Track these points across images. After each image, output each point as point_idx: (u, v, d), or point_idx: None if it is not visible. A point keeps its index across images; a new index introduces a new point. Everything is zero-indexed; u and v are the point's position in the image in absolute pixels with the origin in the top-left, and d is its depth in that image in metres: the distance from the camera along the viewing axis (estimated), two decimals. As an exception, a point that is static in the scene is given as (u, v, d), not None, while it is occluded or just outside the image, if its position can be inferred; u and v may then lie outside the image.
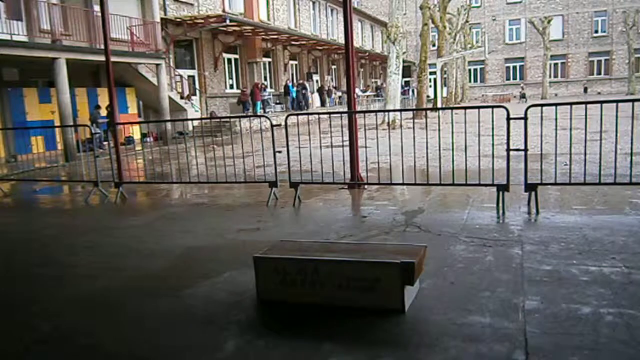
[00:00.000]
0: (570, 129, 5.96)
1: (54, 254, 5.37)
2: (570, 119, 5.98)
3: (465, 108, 7.30)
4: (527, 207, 6.00)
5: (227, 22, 21.80)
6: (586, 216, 5.55)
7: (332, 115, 9.45)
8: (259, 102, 24.08)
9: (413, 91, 38.51)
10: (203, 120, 21.44)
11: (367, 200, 7.22)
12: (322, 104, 31.54)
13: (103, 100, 17.31)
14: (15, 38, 14.02)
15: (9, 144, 15.21)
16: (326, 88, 33.99)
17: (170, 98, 19.29)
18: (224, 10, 24.77)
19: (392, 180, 7.87)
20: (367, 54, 41.21)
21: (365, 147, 8.84)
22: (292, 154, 7.38)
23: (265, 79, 29.11)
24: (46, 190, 10.37)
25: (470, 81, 49.07)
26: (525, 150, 5.97)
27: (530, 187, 6.01)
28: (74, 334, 3.35)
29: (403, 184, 7.72)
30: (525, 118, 5.81)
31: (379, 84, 44.31)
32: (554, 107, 6.35)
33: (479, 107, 6.75)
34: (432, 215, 6.02)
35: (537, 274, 3.87)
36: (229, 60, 26.14)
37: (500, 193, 6.03)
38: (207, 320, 3.41)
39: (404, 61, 27.29)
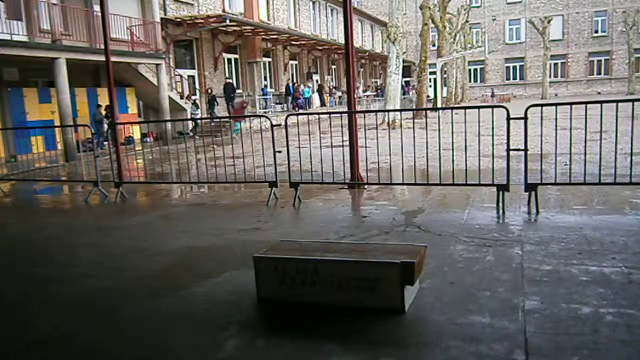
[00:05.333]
0: (570, 129, 5.96)
1: (54, 254, 5.37)
2: (570, 119, 5.98)
3: (465, 108, 7.30)
4: (527, 207, 6.00)
5: (227, 22, 21.80)
6: (586, 216, 5.55)
7: (332, 115, 9.45)
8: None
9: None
10: (203, 120, 21.45)
11: (367, 200, 7.22)
12: (322, 104, 31.58)
13: (103, 100, 17.32)
14: (15, 38, 14.02)
15: (9, 144, 15.21)
16: (326, 88, 34.07)
17: (170, 98, 19.30)
18: (224, 10, 24.78)
19: (392, 180, 7.87)
20: (367, 54, 41.22)
21: (365, 147, 8.85)
22: (292, 154, 7.38)
23: (265, 79, 29.13)
24: (46, 190, 10.37)
25: (470, 81, 49.07)
26: (525, 150, 5.97)
27: (530, 187, 6.01)
28: (74, 334, 3.35)
29: (403, 184, 7.72)
30: (525, 118, 5.81)
31: (378, 83, 44.36)
32: (554, 107, 6.35)
33: (479, 107, 6.75)
34: (432, 215, 6.02)
35: (537, 274, 3.87)
36: (229, 60, 26.15)
37: (500, 193, 6.03)
38: (207, 320, 3.41)
39: (404, 61, 27.32)
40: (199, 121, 20.26)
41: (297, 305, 3.48)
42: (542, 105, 6.42)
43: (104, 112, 16.69)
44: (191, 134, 19.52)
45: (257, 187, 8.18)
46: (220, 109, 22.89)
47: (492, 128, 6.38)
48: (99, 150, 12.65)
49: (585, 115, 5.77)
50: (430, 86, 37.15)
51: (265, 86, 27.99)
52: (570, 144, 6.15)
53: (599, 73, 48.15)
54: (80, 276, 4.49)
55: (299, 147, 8.09)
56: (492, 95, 45.60)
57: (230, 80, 24.32)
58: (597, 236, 4.75)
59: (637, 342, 2.82)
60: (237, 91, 26.13)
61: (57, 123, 15.29)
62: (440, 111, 14.33)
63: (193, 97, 21.97)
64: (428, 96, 31.21)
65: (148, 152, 15.85)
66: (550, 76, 46.13)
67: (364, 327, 3.15)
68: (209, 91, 22.44)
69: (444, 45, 34.07)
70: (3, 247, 5.93)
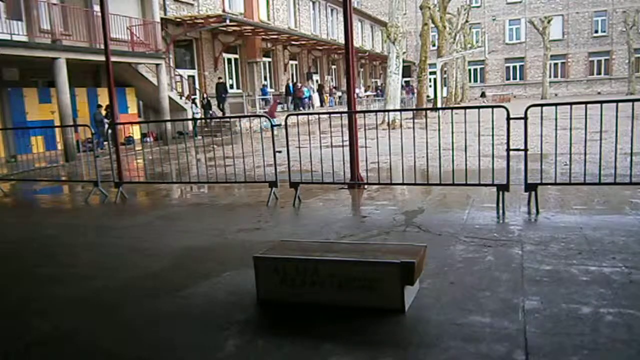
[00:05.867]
0: (570, 129, 5.96)
1: (54, 254, 5.37)
2: (570, 119, 5.98)
3: (465, 108, 7.30)
4: (527, 207, 6.00)
5: (227, 22, 21.81)
6: (586, 216, 5.55)
7: (332, 115, 9.45)
8: None
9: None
10: (203, 121, 21.45)
11: (367, 200, 7.22)
12: (322, 103, 31.62)
13: (103, 100, 17.33)
14: (15, 38, 14.02)
15: (9, 144, 15.21)
16: (326, 88, 34.10)
17: (170, 98, 19.30)
18: (224, 10, 24.78)
19: (392, 180, 7.87)
20: (367, 54, 41.22)
21: (365, 147, 8.84)
22: (292, 154, 7.38)
23: (265, 79, 29.15)
24: (46, 190, 10.37)
25: (470, 81, 49.08)
26: (525, 150, 5.97)
27: (530, 187, 6.01)
28: (74, 334, 3.35)
29: (403, 184, 7.72)
30: (525, 118, 5.81)
31: (379, 83, 44.37)
32: (554, 107, 6.35)
33: (479, 107, 6.75)
34: (432, 215, 6.02)
35: (537, 274, 3.87)
36: (229, 60, 26.16)
37: (500, 193, 6.03)
38: (207, 320, 3.41)
39: (404, 61, 27.32)
40: (197, 121, 20.28)
41: (297, 305, 3.48)
42: (542, 105, 6.42)
43: (104, 112, 16.68)
44: (191, 134, 19.53)
45: (257, 187, 8.18)
46: (216, 110, 22.88)
47: (492, 128, 6.38)
48: (99, 150, 12.66)
49: (585, 115, 5.77)
50: (430, 86, 37.15)
51: (265, 86, 28.01)
52: (570, 144, 6.15)
53: (599, 73, 48.16)
54: (80, 276, 4.49)
55: (299, 147, 8.09)
56: (482, 96, 45.55)
57: (222, 80, 23.74)
58: (597, 236, 4.75)
59: (637, 342, 2.81)
60: (237, 91, 26.17)
61: (57, 123, 15.29)
62: (440, 111, 14.33)
63: (193, 97, 21.99)
64: (428, 96, 31.21)
65: (148, 152, 15.85)
66: (550, 76, 46.14)
67: (364, 327, 3.15)
68: (204, 96, 22.43)
69: (444, 45, 34.06)
70: (3, 247, 5.92)
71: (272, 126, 7.77)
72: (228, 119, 20.25)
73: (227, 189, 8.64)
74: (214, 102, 22.81)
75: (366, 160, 8.49)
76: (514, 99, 42.33)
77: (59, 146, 15.53)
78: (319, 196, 7.50)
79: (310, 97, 29.38)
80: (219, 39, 24.31)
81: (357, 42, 40.10)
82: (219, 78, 23.69)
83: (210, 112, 21.99)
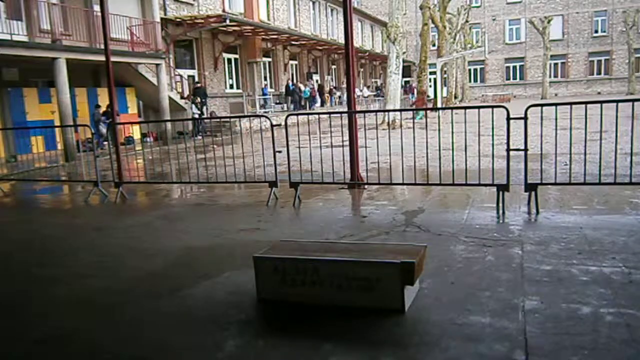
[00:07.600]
0: (570, 129, 5.96)
1: (54, 254, 5.37)
2: (570, 119, 5.98)
3: (465, 108, 7.30)
4: (527, 207, 6.00)
5: (227, 22, 21.79)
6: (586, 216, 5.55)
7: (332, 115, 9.45)
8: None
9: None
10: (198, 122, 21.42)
11: (367, 200, 7.22)
12: (322, 104, 31.62)
13: (103, 100, 17.32)
14: (15, 38, 14.01)
15: (9, 144, 15.21)
16: (326, 88, 34.12)
17: (170, 98, 19.29)
18: (224, 10, 24.78)
19: (392, 180, 7.87)
20: (367, 54, 41.21)
21: (365, 147, 8.84)
22: (292, 154, 7.38)
23: (265, 79, 29.16)
24: (46, 190, 10.37)
25: (470, 81, 49.06)
26: (525, 150, 5.97)
27: (530, 187, 6.01)
28: (74, 334, 3.35)
29: (403, 184, 7.72)
30: (525, 118, 5.81)
31: (379, 83, 44.39)
32: (554, 107, 6.35)
33: (479, 107, 6.75)
34: (432, 215, 6.02)
35: (537, 274, 3.87)
36: (229, 60, 26.15)
37: (500, 193, 6.03)
38: (207, 320, 3.41)
39: (404, 61, 27.32)
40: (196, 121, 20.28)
41: (297, 305, 3.48)
42: (542, 105, 6.42)
43: (102, 111, 16.68)
44: (191, 134, 19.53)
45: (257, 187, 8.18)
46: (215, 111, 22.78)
47: (492, 128, 6.38)
48: (99, 150, 12.65)
49: (585, 115, 5.77)
50: (430, 86, 37.14)
51: (265, 86, 28.01)
52: (570, 144, 6.15)
53: (599, 73, 48.14)
54: (80, 276, 4.49)
55: (299, 147, 8.09)
56: (455, 97, 45.07)
57: (201, 85, 21.85)
58: (597, 236, 4.75)
59: (637, 342, 2.82)
60: (237, 91, 26.15)
61: (57, 123, 15.28)
62: (440, 111, 14.34)
63: (192, 97, 21.95)
64: (428, 96, 31.21)
65: (148, 152, 15.85)
66: (550, 76, 46.11)
67: (364, 327, 3.15)
68: (197, 101, 22.26)
69: (444, 45, 34.07)
70: (3, 247, 5.92)
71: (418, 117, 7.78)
72: (228, 119, 20.23)
73: (227, 189, 8.64)
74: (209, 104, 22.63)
75: (366, 160, 8.49)
76: (514, 99, 42.32)
77: (59, 146, 15.52)
78: (319, 196, 7.50)
79: (307, 99, 29.50)
80: (219, 39, 24.31)
81: (357, 42, 40.09)
82: (197, 82, 22.02)
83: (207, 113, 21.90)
